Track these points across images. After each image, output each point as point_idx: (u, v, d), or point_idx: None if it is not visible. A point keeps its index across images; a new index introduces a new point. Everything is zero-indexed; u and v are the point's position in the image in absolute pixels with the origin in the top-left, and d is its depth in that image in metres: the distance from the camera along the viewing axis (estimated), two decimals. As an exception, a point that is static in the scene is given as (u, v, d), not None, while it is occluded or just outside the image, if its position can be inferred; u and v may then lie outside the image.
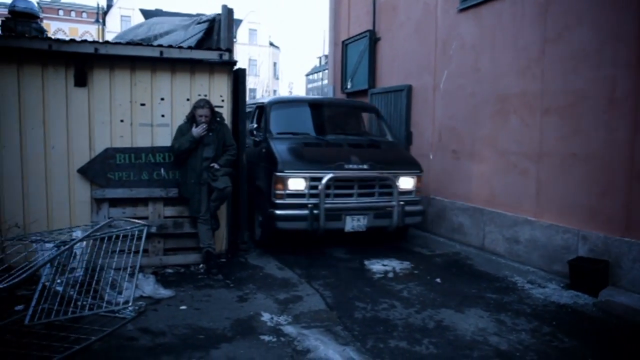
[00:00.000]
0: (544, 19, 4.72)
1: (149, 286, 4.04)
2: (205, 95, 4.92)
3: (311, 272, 4.76)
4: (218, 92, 5.04)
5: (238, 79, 5.18)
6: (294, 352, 3.09)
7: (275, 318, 3.63)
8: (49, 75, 4.48)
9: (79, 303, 3.52)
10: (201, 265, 4.84)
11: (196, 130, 4.55)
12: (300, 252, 5.53)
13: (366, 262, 5.16)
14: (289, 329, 3.44)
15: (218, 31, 6.68)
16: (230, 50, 5.00)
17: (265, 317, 3.65)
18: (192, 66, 4.91)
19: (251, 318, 3.62)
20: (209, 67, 4.97)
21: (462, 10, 5.82)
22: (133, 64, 4.72)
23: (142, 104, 4.81)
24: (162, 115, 4.89)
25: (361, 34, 8.07)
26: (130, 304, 3.36)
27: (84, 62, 4.55)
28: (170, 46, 4.85)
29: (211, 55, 4.91)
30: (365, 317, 3.68)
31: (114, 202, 4.78)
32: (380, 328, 3.49)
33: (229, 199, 5.06)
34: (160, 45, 4.80)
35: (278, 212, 5.02)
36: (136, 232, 3.71)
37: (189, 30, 6.51)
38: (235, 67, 5.14)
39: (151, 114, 4.85)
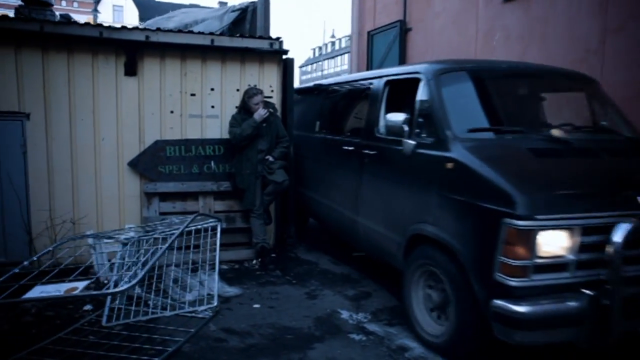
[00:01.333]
0: (605, 9, 4.65)
1: (215, 284, 3.90)
2: (255, 86, 4.76)
3: (368, 268, 4.66)
4: (268, 82, 4.88)
5: (286, 69, 5.02)
6: (389, 351, 3.00)
7: (354, 316, 3.53)
8: (99, 64, 4.28)
9: (151, 303, 3.38)
10: (254, 261, 4.70)
11: (258, 114, 4.39)
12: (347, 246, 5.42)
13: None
14: (373, 327, 3.34)
15: (250, 20, 6.51)
16: (280, 39, 4.84)
17: (344, 314, 3.54)
18: (243, 55, 4.74)
19: (330, 316, 3.51)
20: (259, 57, 4.81)
21: (507, 0, 5.72)
22: (183, 52, 4.53)
23: (192, 95, 4.63)
24: (212, 106, 4.73)
25: (390, 24, 7.94)
26: (215, 302, 3.22)
27: (134, 51, 4.35)
28: (221, 34, 4.66)
29: (262, 44, 4.74)
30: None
31: (164, 197, 4.62)
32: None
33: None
34: (211, 34, 4.62)
35: (518, 308, 2.26)
36: (209, 227, 3.56)
37: (224, 19, 6.32)
38: (285, 57, 4.97)
39: (201, 104, 4.68)
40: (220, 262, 4.66)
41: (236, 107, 4.72)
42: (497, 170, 2.50)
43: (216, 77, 4.69)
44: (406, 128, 3.10)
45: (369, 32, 8.55)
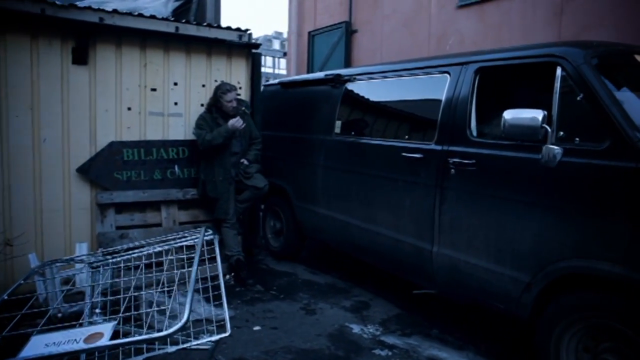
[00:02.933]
0: (559, 19, 4.96)
1: (200, 307, 3.37)
2: (222, 81, 4.28)
3: (351, 276, 4.42)
4: (236, 77, 4.43)
5: (255, 64, 4.60)
6: (423, 365, 2.80)
7: (366, 329, 3.27)
8: (40, 48, 3.51)
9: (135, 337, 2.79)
10: (228, 277, 4.20)
11: (232, 122, 3.91)
12: (312, 256, 5.14)
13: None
14: (392, 340, 3.11)
15: (196, 12, 5.96)
16: (249, 31, 4.42)
17: (356, 329, 3.27)
18: (209, 47, 4.24)
19: (342, 332, 3.21)
20: (227, 50, 4.34)
21: (461, 6, 5.89)
22: (144, 40, 3.92)
23: (153, 89, 4.03)
24: (176, 103, 4.16)
25: (333, 25, 7.81)
26: (228, 331, 2.73)
27: (85, 35, 3.65)
28: (187, 21, 4.12)
29: (230, 36, 4.29)
30: (450, 316, 3.49)
31: (120, 208, 3.94)
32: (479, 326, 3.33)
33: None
34: (175, 20, 4.05)
35: None
36: (198, 242, 3.05)
37: (168, 6, 5.67)
38: (253, 51, 4.55)
39: (163, 101, 4.09)
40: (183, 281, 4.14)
41: (202, 104, 4.21)
42: None
43: (180, 70, 4.13)
44: (549, 130, 2.32)
45: (309, 33, 8.34)
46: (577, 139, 2.35)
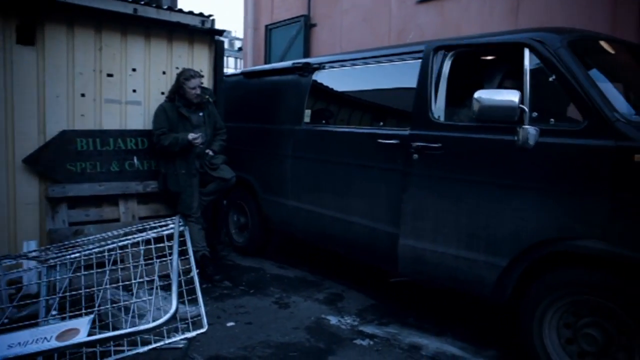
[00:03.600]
0: (515, 15, 5.14)
1: (170, 304, 3.16)
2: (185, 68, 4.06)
3: (321, 268, 4.33)
4: (198, 65, 4.21)
5: (217, 52, 4.41)
6: (404, 352, 2.76)
7: (343, 320, 3.20)
8: (-21, 25, 3.16)
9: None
10: (189, 275, 3.98)
11: (193, 137, 3.69)
12: (279, 251, 5.02)
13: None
14: (371, 329, 3.06)
15: (149, -2, 5.66)
16: (212, 17, 4.23)
17: (333, 320, 3.19)
18: (170, 32, 4.01)
19: (319, 324, 3.12)
20: (189, 36, 4.13)
21: (421, 2, 5.98)
22: (99, 21, 3.63)
23: (110, 75, 3.75)
24: (134, 90, 3.90)
25: (292, 19, 7.69)
26: (205, 326, 2.55)
27: (32, 12, 3.33)
28: (147, 3, 3.87)
29: (193, 20, 4.09)
30: (425, 303, 3.49)
31: (73, 203, 3.64)
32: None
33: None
34: (135, 1, 3.79)
35: None
36: (175, 230, 2.85)
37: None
38: (217, 38, 4.36)
39: (120, 87, 3.82)
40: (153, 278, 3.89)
41: (162, 92, 3.98)
42: None
43: (139, 55, 3.87)
44: (526, 110, 2.32)
45: (266, 26, 8.18)
46: (552, 119, 2.40)
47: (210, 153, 3.99)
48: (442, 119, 2.89)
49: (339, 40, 7.07)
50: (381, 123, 3.37)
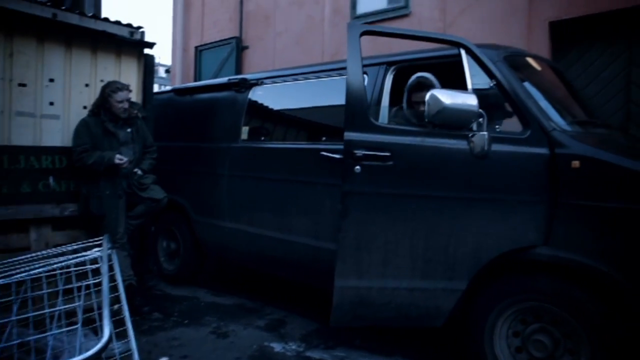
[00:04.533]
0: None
1: (93, 341, 2.77)
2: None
3: (260, 294, 4.11)
4: (126, 79, 3.89)
5: (147, 66, 4.15)
6: (357, 375, 2.63)
7: (288, 347, 3.01)
8: None
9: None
10: (116, 305, 3.58)
11: (119, 159, 3.40)
12: (213, 278, 4.73)
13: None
14: (319, 354, 2.91)
15: (70, 3, 5.30)
16: (142, 29, 3.99)
17: (277, 347, 2.99)
18: (95, 42, 3.71)
19: (263, 352, 2.91)
20: (116, 47, 3.85)
21: (353, 26, 6.13)
22: (10, 24, 3.26)
23: (22, 85, 3.35)
24: (51, 103, 3.51)
25: (223, 40, 7.56)
26: None
27: None
28: (68, 9, 3.55)
29: (120, 31, 3.82)
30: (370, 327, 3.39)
31: (-28, 229, 3.15)
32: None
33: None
34: (53, 5, 3.46)
35: None
36: (103, 253, 2.52)
37: None
38: (146, 52, 4.11)
39: (35, 99, 3.42)
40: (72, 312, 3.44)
41: (84, 107, 3.64)
42: None
43: (58, 64, 3.52)
44: (485, 116, 2.26)
45: (196, 47, 7.97)
46: (497, 127, 2.47)
47: (139, 172, 3.68)
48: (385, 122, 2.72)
49: (272, 63, 7.04)
50: (324, 138, 3.30)
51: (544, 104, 2.43)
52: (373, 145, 2.39)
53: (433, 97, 2.24)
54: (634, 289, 2.03)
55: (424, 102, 2.34)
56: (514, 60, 2.63)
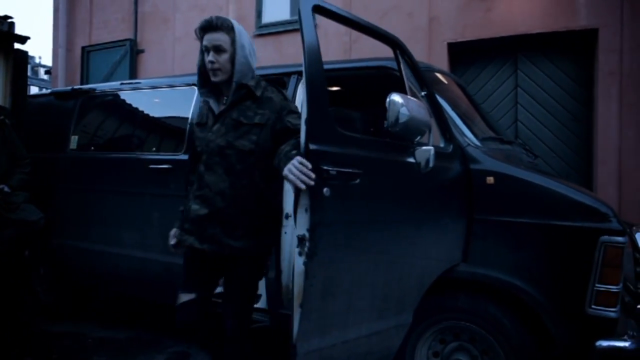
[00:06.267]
0: (348, 56, 5.44)
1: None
2: (-31, 82, 3.15)
3: (153, 325, 3.67)
4: (-10, 79, 3.32)
5: (18, 64, 3.55)
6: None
7: (194, 384, 2.67)
8: None
9: None
10: (-24, 353, 2.96)
11: None
12: (106, 308, 4.17)
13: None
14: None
15: None
16: (11, 19, 3.41)
17: (182, 386, 2.63)
18: (-53, 32, 3.07)
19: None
20: (-24, 40, 3.23)
21: (258, 35, 5.95)
22: None
23: None
24: None
25: (115, 42, 6.90)
26: None
27: None
28: None
29: (-18, 22, 3.22)
30: (288, 345, 3.17)
31: None
32: None
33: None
34: None
35: (626, 345, 2.01)
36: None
37: None
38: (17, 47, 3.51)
39: None
40: None
41: None
42: (562, 183, 2.13)
43: None
44: (435, 127, 2.18)
45: (84, 48, 7.17)
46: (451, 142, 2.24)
47: (6, 189, 3.09)
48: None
49: (172, 69, 6.58)
50: (154, 148, 3.16)
51: (457, 120, 2.44)
52: (343, 160, 1.67)
53: (396, 103, 1.78)
54: (547, 303, 2.07)
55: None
56: (427, 75, 2.62)
